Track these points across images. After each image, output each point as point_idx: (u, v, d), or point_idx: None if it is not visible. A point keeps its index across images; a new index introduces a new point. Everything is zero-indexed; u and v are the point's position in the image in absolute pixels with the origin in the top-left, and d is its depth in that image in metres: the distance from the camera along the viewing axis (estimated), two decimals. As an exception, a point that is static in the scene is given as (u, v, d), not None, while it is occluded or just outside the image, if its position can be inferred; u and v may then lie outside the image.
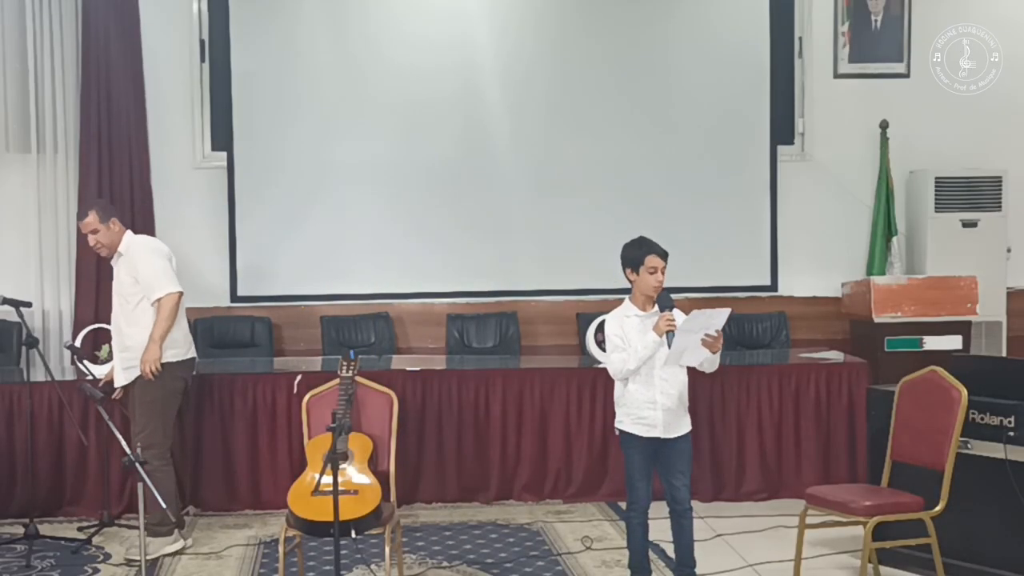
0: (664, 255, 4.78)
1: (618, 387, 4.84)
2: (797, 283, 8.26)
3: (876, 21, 8.32)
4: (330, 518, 4.31)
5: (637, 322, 4.76)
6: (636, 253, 4.78)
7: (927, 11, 8.32)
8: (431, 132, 7.93)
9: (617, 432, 4.86)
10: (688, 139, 8.13)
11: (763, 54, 8.17)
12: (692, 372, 4.84)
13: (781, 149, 8.26)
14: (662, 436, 4.74)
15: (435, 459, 6.59)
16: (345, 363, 5.15)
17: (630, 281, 4.82)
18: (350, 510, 4.58)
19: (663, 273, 4.75)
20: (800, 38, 8.33)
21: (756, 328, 7.95)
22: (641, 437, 4.75)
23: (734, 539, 5.88)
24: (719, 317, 4.60)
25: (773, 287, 8.25)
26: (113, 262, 5.87)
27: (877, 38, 8.32)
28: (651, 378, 4.73)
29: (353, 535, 4.61)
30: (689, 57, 8.14)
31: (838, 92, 8.32)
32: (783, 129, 8.28)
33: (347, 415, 4.96)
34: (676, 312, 4.68)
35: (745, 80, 8.16)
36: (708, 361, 4.73)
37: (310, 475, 4.80)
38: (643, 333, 4.69)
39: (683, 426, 4.81)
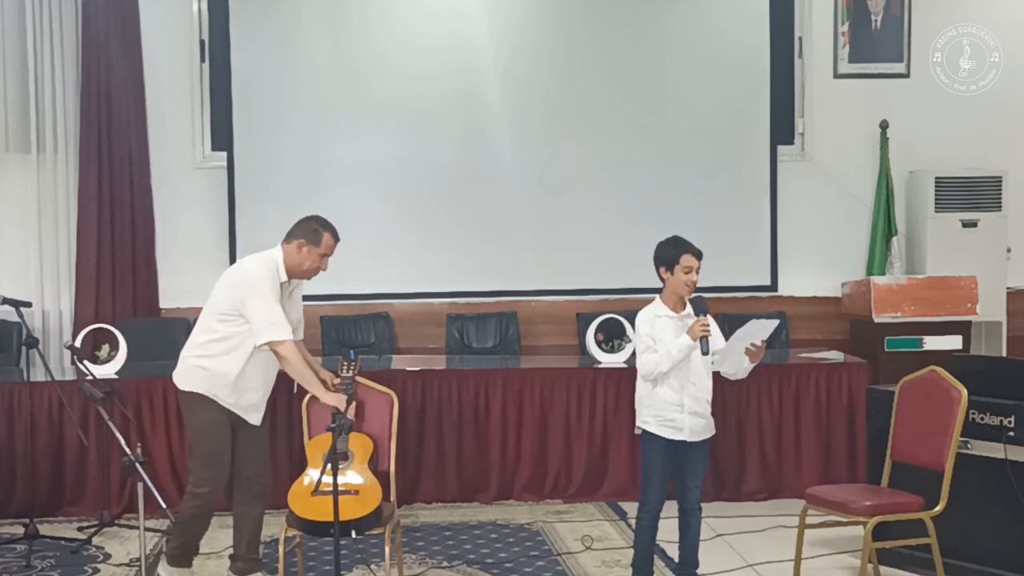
0: (699, 255, 4.76)
1: (643, 387, 4.80)
2: (797, 283, 8.26)
3: (876, 21, 8.32)
4: (330, 518, 4.30)
5: (669, 323, 4.73)
6: (671, 252, 4.76)
7: (927, 11, 8.32)
8: (431, 132, 7.94)
9: (639, 432, 4.84)
10: (688, 139, 8.13)
11: (763, 54, 8.17)
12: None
13: (781, 149, 8.27)
14: (688, 440, 4.74)
15: (435, 459, 6.59)
16: (345, 363, 5.12)
17: (663, 280, 4.79)
18: (350, 510, 4.57)
19: (697, 273, 4.74)
20: (800, 38, 8.33)
21: (756, 328, 7.95)
22: (666, 439, 4.74)
23: (734, 539, 5.88)
24: (767, 328, 4.60)
25: (773, 287, 8.25)
26: (291, 284, 5.07)
27: (877, 38, 8.32)
28: (681, 381, 4.71)
29: (353, 535, 4.62)
30: (689, 57, 8.14)
31: (838, 92, 8.32)
32: (783, 129, 8.28)
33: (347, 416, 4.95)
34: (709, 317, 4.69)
35: (745, 80, 8.16)
36: (742, 369, 4.73)
37: (310, 475, 4.80)
38: (674, 335, 4.67)
39: (707, 430, 4.81)
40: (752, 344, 4.61)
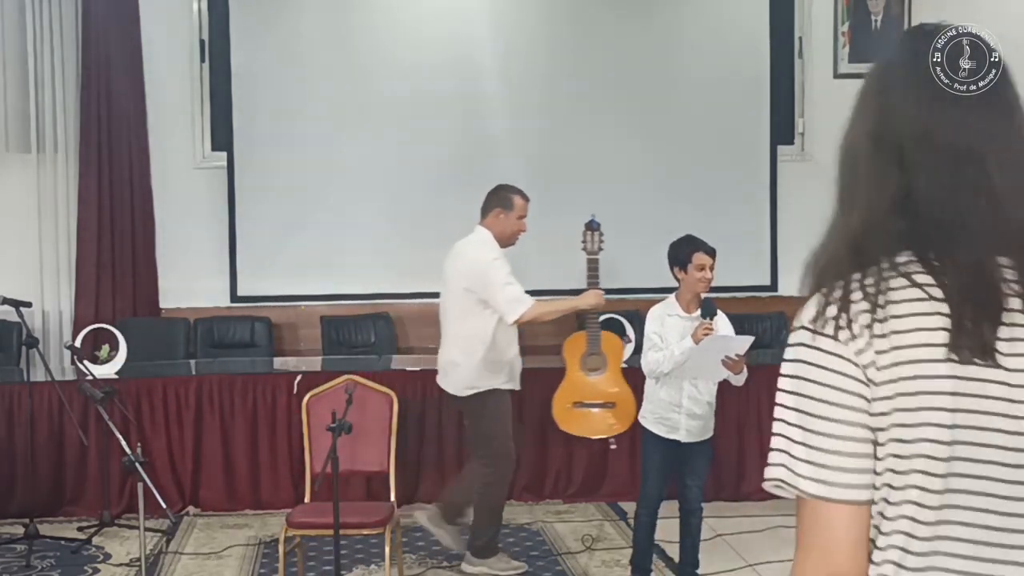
0: (712, 252, 4.76)
1: (648, 383, 4.84)
2: (797, 283, 8.23)
3: (876, 21, 8.32)
4: (593, 434, 4.95)
5: (679, 323, 4.73)
6: (683, 251, 4.77)
7: (927, 11, 8.31)
8: (432, 131, 7.92)
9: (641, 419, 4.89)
10: (688, 139, 8.12)
11: (763, 54, 8.17)
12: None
13: (781, 149, 8.26)
14: (683, 440, 4.74)
15: (435, 459, 6.58)
16: (590, 232, 5.28)
17: (677, 280, 4.80)
18: (609, 425, 5.12)
19: (711, 270, 4.74)
20: (800, 38, 8.33)
21: (756, 328, 7.87)
22: (661, 437, 4.75)
23: (734, 539, 5.88)
24: (738, 344, 4.56)
25: (773, 287, 8.25)
26: None
27: (877, 38, 8.31)
28: (680, 382, 4.71)
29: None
30: (689, 57, 8.14)
31: (838, 92, 8.29)
32: (783, 129, 8.28)
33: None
34: (721, 317, 4.68)
35: (745, 80, 8.16)
36: (733, 377, 4.72)
37: (571, 379, 5.34)
38: (680, 335, 4.67)
39: (705, 432, 4.81)
40: (727, 357, 4.57)
